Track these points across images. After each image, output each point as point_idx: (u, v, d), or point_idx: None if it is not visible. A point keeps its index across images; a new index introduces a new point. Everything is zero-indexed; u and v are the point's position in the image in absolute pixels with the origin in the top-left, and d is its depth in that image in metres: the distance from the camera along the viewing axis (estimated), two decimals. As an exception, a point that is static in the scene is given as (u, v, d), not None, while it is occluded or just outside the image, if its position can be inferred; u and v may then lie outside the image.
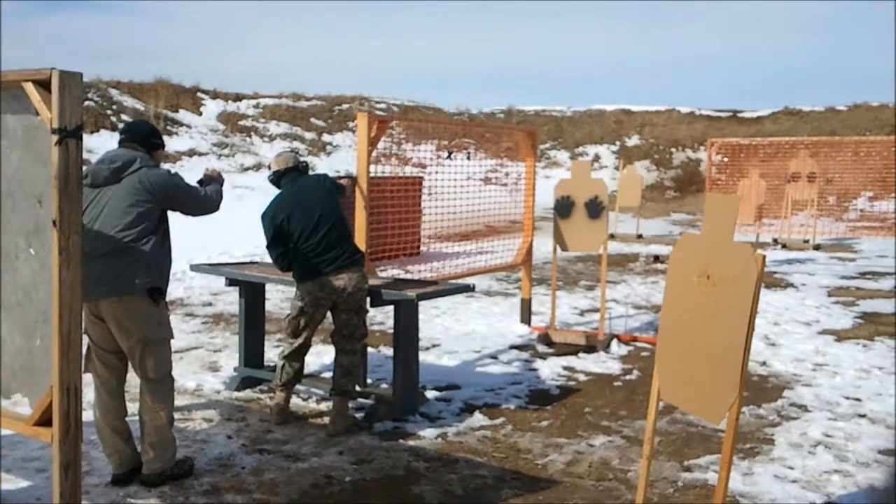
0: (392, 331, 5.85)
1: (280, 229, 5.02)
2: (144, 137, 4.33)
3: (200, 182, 4.65)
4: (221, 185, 4.67)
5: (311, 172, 5.42)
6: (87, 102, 18.68)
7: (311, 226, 4.98)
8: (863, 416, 5.54)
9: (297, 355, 5.27)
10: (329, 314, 5.27)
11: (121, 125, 19.14)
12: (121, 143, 4.31)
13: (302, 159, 5.37)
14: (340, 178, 5.79)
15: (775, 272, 12.27)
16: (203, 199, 4.44)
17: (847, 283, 11.66)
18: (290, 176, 5.18)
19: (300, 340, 5.21)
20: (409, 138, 17.71)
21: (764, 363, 6.92)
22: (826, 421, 5.42)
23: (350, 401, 5.25)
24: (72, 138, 2.73)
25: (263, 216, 5.11)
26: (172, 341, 4.35)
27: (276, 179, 5.23)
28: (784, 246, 16.17)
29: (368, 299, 5.33)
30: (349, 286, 5.06)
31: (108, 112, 19.52)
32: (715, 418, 3.08)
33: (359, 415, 5.37)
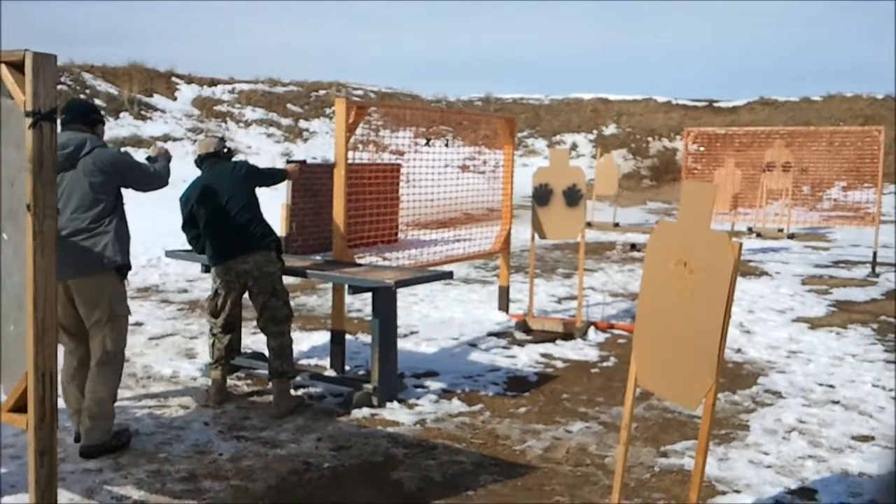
0: (370, 318, 5.84)
1: (191, 212, 5.22)
2: (85, 115, 4.50)
3: (148, 159, 4.86)
4: (168, 161, 4.86)
5: (236, 159, 5.58)
6: (59, 86, 18.42)
7: (218, 210, 5.13)
8: (836, 402, 5.61)
9: (223, 334, 5.38)
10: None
11: (95, 110, 18.94)
12: (64, 124, 4.40)
13: (227, 145, 5.52)
14: (292, 162, 5.85)
15: (750, 261, 12.38)
16: (152, 175, 4.65)
17: (821, 271, 11.79)
18: (210, 161, 5.32)
19: (220, 320, 5.36)
20: (387, 125, 17.63)
21: (739, 350, 6.99)
22: (800, 407, 5.48)
23: (290, 380, 5.30)
24: (46, 121, 2.68)
25: (180, 199, 5.30)
26: (147, 327, 4.43)
27: (198, 163, 5.38)
28: (759, 235, 16.31)
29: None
30: (255, 269, 5.18)
31: (82, 96, 19.27)
32: (691, 404, 3.10)
33: (337, 402, 5.37)
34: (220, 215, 5.13)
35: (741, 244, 2.90)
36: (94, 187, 4.26)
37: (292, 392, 5.35)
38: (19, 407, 2.89)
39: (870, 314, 8.68)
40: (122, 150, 4.65)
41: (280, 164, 17.73)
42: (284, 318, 5.31)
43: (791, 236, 16.11)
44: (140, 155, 5.38)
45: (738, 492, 4.14)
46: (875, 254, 11.78)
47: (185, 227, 5.34)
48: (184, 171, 18.23)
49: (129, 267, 4.45)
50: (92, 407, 4.34)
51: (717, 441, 4.78)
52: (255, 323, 5.49)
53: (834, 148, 18.91)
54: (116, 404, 5.18)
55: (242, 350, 6.15)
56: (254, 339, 6.65)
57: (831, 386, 5.99)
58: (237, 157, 5.32)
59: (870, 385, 5.99)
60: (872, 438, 4.92)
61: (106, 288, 4.31)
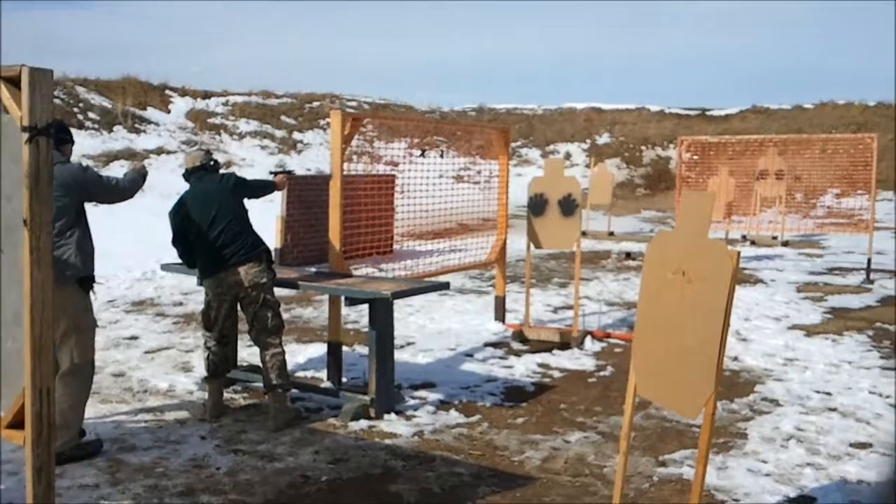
0: (367, 329, 5.83)
1: (181, 226, 5.23)
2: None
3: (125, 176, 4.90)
4: (140, 174, 4.89)
5: (223, 171, 5.57)
6: (53, 100, 18.44)
7: (206, 223, 5.14)
8: (833, 409, 5.61)
9: (217, 346, 5.36)
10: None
11: (87, 123, 18.92)
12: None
13: (213, 158, 5.52)
14: (279, 172, 5.83)
15: (745, 268, 12.39)
16: (115, 187, 4.70)
17: (815, 278, 11.81)
18: (197, 174, 5.33)
19: (215, 333, 5.34)
20: (382, 136, 17.65)
21: (735, 358, 6.99)
22: (797, 415, 5.49)
23: (285, 392, 5.28)
24: (42, 136, 2.67)
25: (168, 213, 5.32)
26: (143, 341, 4.44)
27: (185, 177, 5.39)
28: (753, 242, 16.34)
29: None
30: (245, 281, 5.16)
31: (75, 110, 19.26)
32: (691, 413, 3.10)
33: (334, 414, 5.35)
34: (209, 228, 5.13)
35: (739, 253, 2.91)
36: (55, 202, 4.30)
37: (289, 404, 5.33)
38: (18, 423, 2.87)
39: (865, 321, 8.70)
40: (85, 164, 4.68)
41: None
42: (275, 329, 5.29)
43: (785, 244, 16.14)
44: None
45: (737, 500, 4.13)
46: (869, 260, 11.81)
47: (174, 242, 5.34)
48: (177, 185, 18.19)
49: (92, 279, 4.52)
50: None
51: (715, 449, 4.78)
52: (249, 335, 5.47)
53: (827, 155, 18.99)
54: (112, 418, 5.17)
55: (239, 363, 6.13)
56: (250, 352, 6.63)
57: (828, 393, 6.00)
58: (228, 170, 5.32)
59: (866, 392, 6.00)
60: (870, 445, 4.92)
61: (68, 300, 4.34)
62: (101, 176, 4.74)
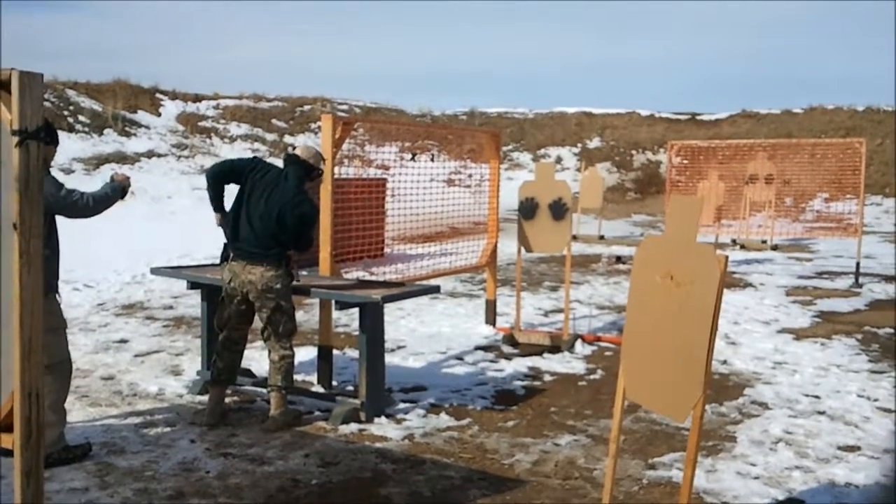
0: (357, 333, 5.84)
1: (237, 174, 5.20)
2: None
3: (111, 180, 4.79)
4: (120, 189, 4.69)
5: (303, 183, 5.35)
6: (43, 104, 18.39)
7: (256, 208, 5.08)
8: (822, 412, 5.64)
9: (225, 350, 5.31)
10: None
11: (78, 126, 18.87)
12: None
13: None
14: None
15: (734, 272, 12.45)
16: (74, 204, 4.48)
17: (804, 282, 11.87)
18: (294, 168, 5.24)
19: (224, 334, 5.29)
20: (373, 140, 17.66)
21: (725, 362, 7.02)
22: (786, 418, 5.51)
23: (287, 395, 5.27)
24: (32, 140, 2.68)
25: (233, 160, 5.35)
26: (133, 344, 4.39)
27: (286, 158, 5.35)
28: (742, 246, 16.41)
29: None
30: (259, 282, 5.10)
31: (65, 113, 19.20)
32: (680, 417, 3.12)
33: (324, 417, 5.35)
34: (254, 213, 5.09)
35: (727, 257, 2.93)
36: None
37: (289, 406, 5.32)
38: (5, 427, 2.86)
39: (854, 325, 8.75)
40: (53, 176, 4.44)
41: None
42: (288, 333, 5.26)
43: (774, 248, 16.22)
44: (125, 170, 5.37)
45: (725, 503, 4.15)
46: (858, 264, 11.88)
47: (213, 175, 5.26)
48: (167, 188, 18.15)
49: (49, 285, 4.29)
50: None
51: (704, 453, 4.80)
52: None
53: (816, 160, 19.10)
54: (101, 422, 5.16)
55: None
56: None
57: (817, 396, 6.03)
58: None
59: (855, 395, 6.03)
60: (858, 448, 4.95)
61: None
62: (59, 192, 4.42)
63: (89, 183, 13.08)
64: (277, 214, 5.08)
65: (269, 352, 5.29)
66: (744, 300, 10.10)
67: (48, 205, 4.47)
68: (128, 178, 4.85)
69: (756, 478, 4.47)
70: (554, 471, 4.56)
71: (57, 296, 4.52)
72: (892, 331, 8.39)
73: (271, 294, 5.13)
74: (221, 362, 5.30)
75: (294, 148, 5.22)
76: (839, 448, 4.95)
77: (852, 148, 15.88)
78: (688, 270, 3.01)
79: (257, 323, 5.32)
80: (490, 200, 8.31)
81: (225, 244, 5.30)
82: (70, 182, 12.80)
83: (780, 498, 4.22)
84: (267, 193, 5.11)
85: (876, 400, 5.93)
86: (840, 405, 5.80)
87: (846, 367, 6.92)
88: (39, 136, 2.70)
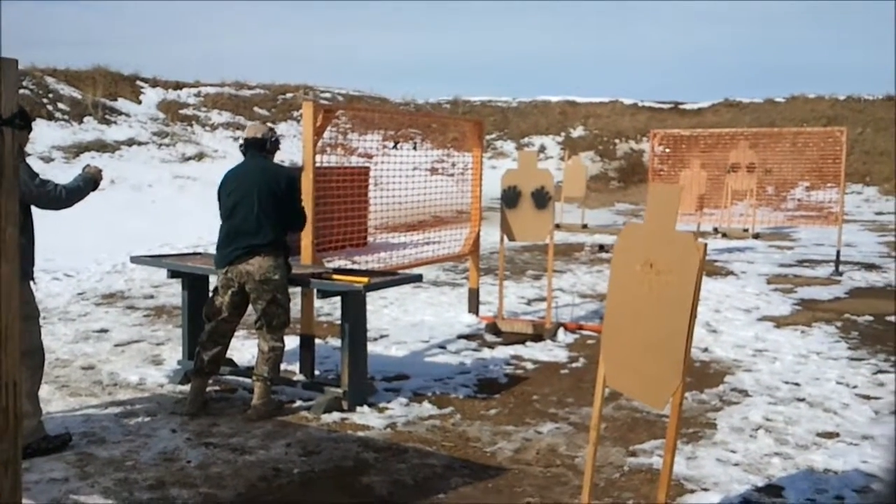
0: (339, 321, 5.82)
1: (220, 200, 5.18)
2: None
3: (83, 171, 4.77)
4: (92, 181, 4.70)
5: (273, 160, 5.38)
6: (21, 91, 18.17)
7: (242, 203, 5.05)
8: (801, 399, 5.69)
9: (211, 342, 5.27)
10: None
11: (57, 114, 18.68)
12: None
13: (276, 136, 5.37)
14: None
15: (716, 260, 12.52)
16: (47, 194, 4.46)
17: (785, 270, 11.95)
18: (253, 151, 5.21)
19: (211, 325, 5.24)
20: (355, 128, 17.60)
21: (706, 349, 7.06)
22: (766, 405, 5.55)
23: (271, 386, 5.27)
24: (8, 127, 2.64)
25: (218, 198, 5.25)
26: (113, 334, 4.36)
27: (243, 149, 5.28)
28: (724, 235, 16.50)
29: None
30: (257, 273, 5.06)
31: (45, 101, 19.00)
32: (659, 404, 3.13)
33: (306, 406, 5.34)
34: (240, 208, 5.06)
35: (706, 245, 2.94)
36: None
37: (272, 397, 5.31)
38: (-18, 417, 2.83)
39: (834, 312, 8.82)
40: (27, 164, 4.44)
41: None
42: (280, 326, 5.25)
43: (756, 236, 16.32)
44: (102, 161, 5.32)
45: (706, 490, 4.18)
46: (838, 252, 11.96)
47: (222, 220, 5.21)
48: (148, 177, 17.97)
49: (24, 273, 4.31)
50: None
51: (685, 440, 4.83)
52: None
53: (797, 149, 19.21)
54: (81, 412, 5.13)
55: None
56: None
57: (797, 384, 6.07)
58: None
59: (834, 382, 6.08)
60: (837, 435, 4.99)
61: None
62: (32, 183, 4.39)
63: (69, 171, 12.94)
64: (268, 192, 5.05)
65: (260, 342, 5.26)
66: (725, 288, 10.15)
67: (21, 193, 4.45)
68: (100, 170, 4.84)
69: (736, 464, 4.51)
70: (536, 458, 4.57)
71: (31, 283, 4.49)
72: (871, 318, 8.47)
73: (268, 285, 5.09)
74: (206, 354, 5.26)
75: (254, 133, 5.17)
76: (818, 435, 5.00)
77: (833, 137, 15.99)
78: (667, 259, 3.02)
79: (247, 317, 5.29)
80: (473, 189, 8.30)
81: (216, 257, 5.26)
82: (50, 170, 12.65)
83: (760, 484, 4.26)
84: (244, 187, 5.08)
85: (855, 387, 5.99)
86: (819, 392, 5.85)
87: (826, 354, 6.97)
88: (14, 123, 2.66)
